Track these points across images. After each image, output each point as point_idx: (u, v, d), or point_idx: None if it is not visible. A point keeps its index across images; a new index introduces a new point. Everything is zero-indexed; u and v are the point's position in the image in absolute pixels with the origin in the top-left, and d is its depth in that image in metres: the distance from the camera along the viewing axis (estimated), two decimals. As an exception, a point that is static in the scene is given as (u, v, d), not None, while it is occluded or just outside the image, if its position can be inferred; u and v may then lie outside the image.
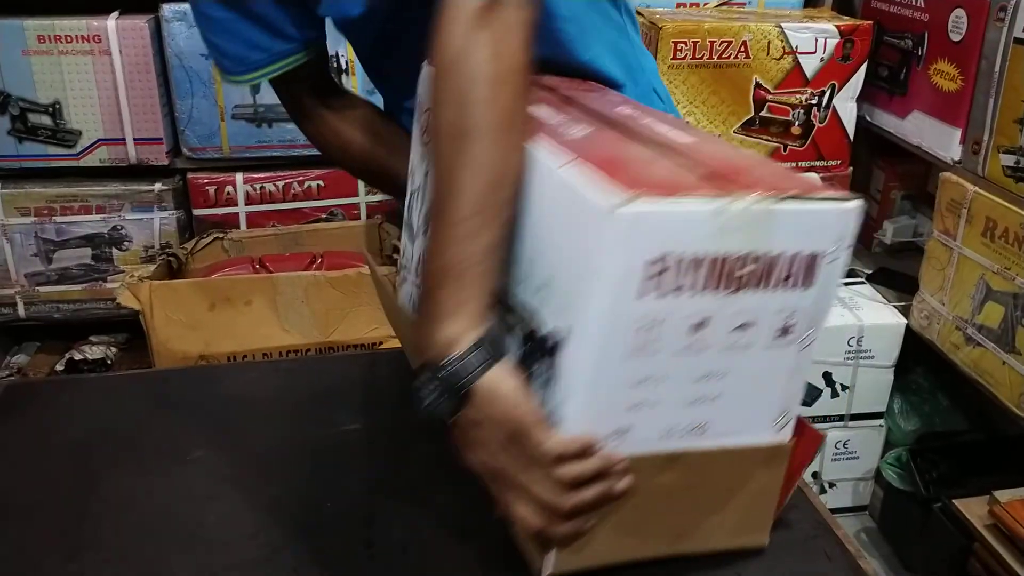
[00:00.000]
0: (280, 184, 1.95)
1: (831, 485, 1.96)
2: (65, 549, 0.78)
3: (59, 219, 1.88)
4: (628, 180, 0.57)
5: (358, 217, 2.00)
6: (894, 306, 1.87)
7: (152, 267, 1.72)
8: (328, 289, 1.63)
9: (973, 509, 1.51)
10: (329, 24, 0.95)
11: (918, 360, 1.89)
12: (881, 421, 1.92)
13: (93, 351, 1.98)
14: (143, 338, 1.62)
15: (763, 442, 0.67)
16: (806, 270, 0.61)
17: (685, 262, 0.57)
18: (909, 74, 1.83)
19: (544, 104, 0.77)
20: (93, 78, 1.82)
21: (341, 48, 1.81)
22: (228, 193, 1.94)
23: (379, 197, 1.99)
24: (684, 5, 2.06)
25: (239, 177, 1.93)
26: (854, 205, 0.60)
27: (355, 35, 0.98)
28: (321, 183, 1.95)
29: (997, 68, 1.54)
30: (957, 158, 1.67)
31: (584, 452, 0.62)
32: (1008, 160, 1.52)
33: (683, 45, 1.80)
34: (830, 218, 0.60)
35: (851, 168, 2.00)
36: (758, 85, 1.86)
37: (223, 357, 1.60)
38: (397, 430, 0.94)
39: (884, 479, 1.85)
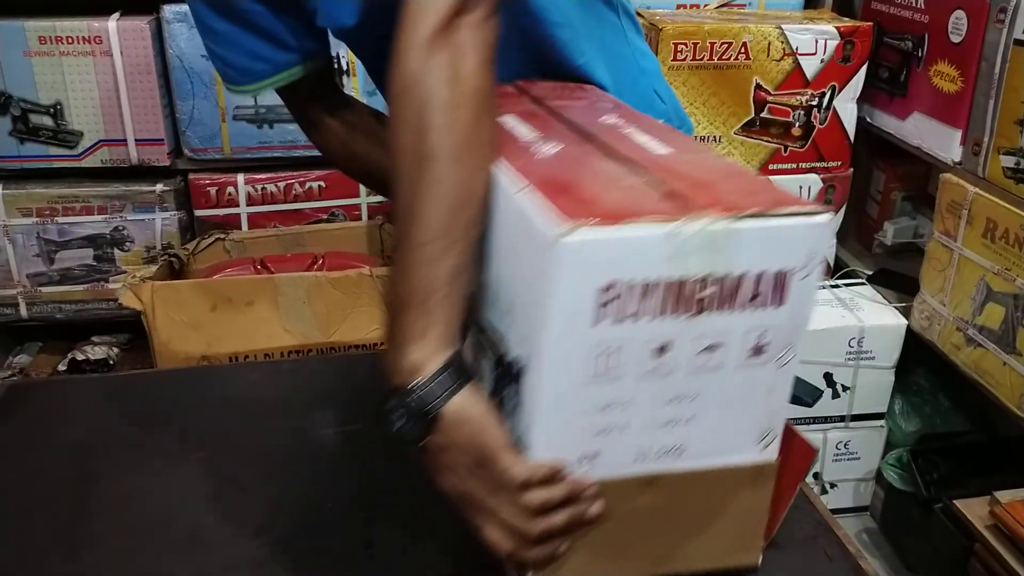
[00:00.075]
0: (281, 185, 1.95)
1: (832, 486, 1.96)
2: (65, 548, 0.78)
3: (61, 220, 1.89)
4: (577, 207, 0.57)
5: (359, 218, 2.01)
6: (895, 307, 1.87)
7: (154, 268, 1.72)
8: (329, 290, 1.63)
9: (974, 510, 1.51)
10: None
11: (919, 361, 1.89)
12: (882, 422, 1.92)
13: (95, 351, 1.99)
14: (145, 338, 1.62)
15: (746, 462, 0.67)
16: (775, 288, 0.60)
17: (639, 288, 0.57)
18: (909, 75, 1.83)
19: (521, 118, 0.77)
20: (94, 79, 1.82)
21: (342, 49, 1.81)
22: (229, 194, 1.94)
23: (380, 198, 1.99)
24: (684, 6, 2.06)
25: (240, 178, 1.94)
26: (823, 219, 0.59)
27: (354, 43, 0.98)
28: (322, 184, 1.96)
29: (997, 69, 1.54)
30: (957, 159, 1.67)
31: (551, 478, 0.62)
32: (1008, 161, 1.52)
33: (683, 46, 1.80)
34: (797, 234, 0.59)
35: (851, 169, 2.00)
36: (758, 86, 1.86)
37: (225, 358, 1.61)
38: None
39: (885, 480, 1.85)
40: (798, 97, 1.89)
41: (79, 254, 1.92)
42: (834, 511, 0.79)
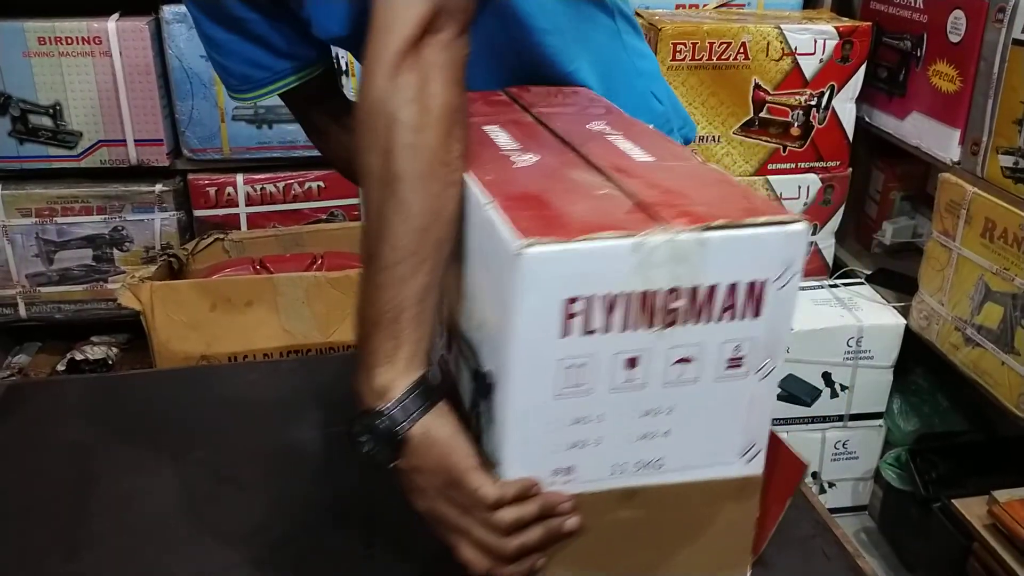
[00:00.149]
0: (280, 185, 1.95)
1: (830, 485, 1.96)
2: (65, 548, 0.78)
3: (60, 220, 1.89)
4: (540, 220, 0.57)
5: (359, 218, 2.00)
6: (893, 307, 1.87)
7: (153, 268, 1.72)
8: (329, 290, 1.63)
9: (972, 509, 1.51)
10: None
11: (917, 360, 1.90)
12: (880, 421, 1.92)
13: (94, 351, 1.99)
14: (144, 338, 1.62)
15: (729, 475, 0.66)
16: (750, 299, 0.59)
17: (605, 300, 0.57)
18: (908, 75, 1.83)
19: (505, 127, 0.77)
20: (94, 79, 1.82)
21: (342, 50, 1.81)
22: (229, 194, 1.94)
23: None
24: (683, 6, 2.06)
25: (239, 178, 1.94)
26: (798, 228, 0.58)
27: (351, 49, 0.98)
28: (321, 184, 1.96)
29: (996, 69, 1.54)
30: (956, 159, 1.67)
31: (523, 495, 0.62)
32: (1007, 161, 1.52)
33: (682, 46, 1.80)
34: (771, 243, 0.58)
35: (850, 169, 2.00)
36: (757, 86, 1.87)
37: (224, 357, 1.61)
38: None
39: (883, 479, 1.85)
40: (797, 97, 1.89)
41: (78, 254, 1.92)
42: (832, 510, 0.79)
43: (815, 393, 1.86)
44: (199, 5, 0.91)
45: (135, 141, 1.87)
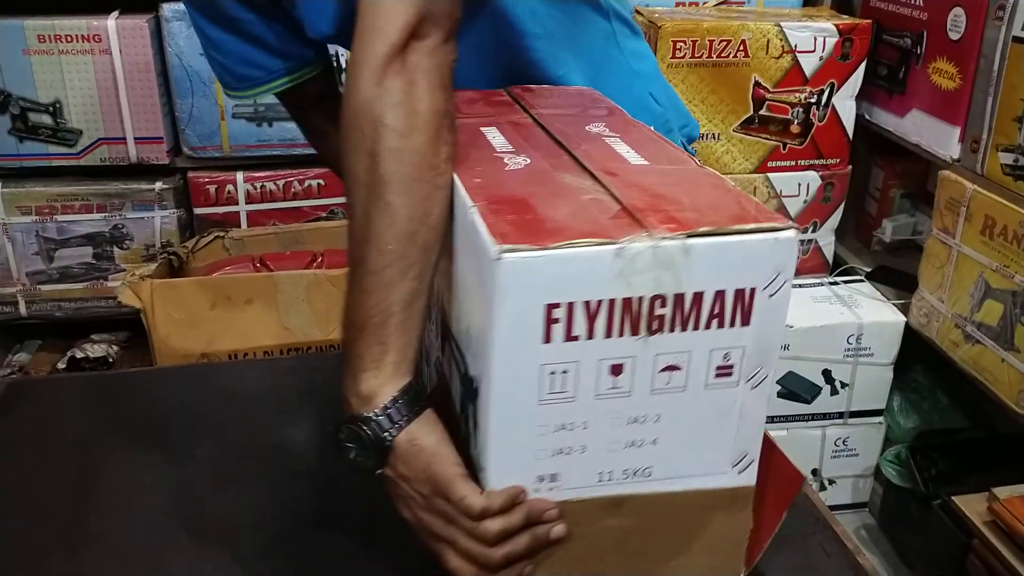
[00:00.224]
0: (280, 183, 1.95)
1: (830, 482, 1.96)
2: (66, 545, 0.78)
3: (60, 218, 1.89)
4: (521, 226, 0.56)
5: (358, 216, 2.00)
6: (893, 304, 1.87)
7: (153, 266, 1.72)
8: (329, 287, 1.63)
9: (972, 506, 1.51)
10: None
11: (917, 358, 1.90)
12: (880, 418, 1.92)
13: (94, 349, 1.99)
14: (144, 336, 1.62)
15: (720, 485, 0.65)
16: (738, 307, 0.58)
17: (586, 307, 0.56)
18: (908, 73, 1.83)
19: (501, 129, 0.77)
20: (93, 77, 1.82)
21: (341, 48, 1.81)
22: (229, 192, 1.94)
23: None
24: (683, 4, 2.06)
25: (239, 176, 1.94)
26: (788, 235, 0.57)
27: (347, 47, 0.98)
28: (321, 182, 1.96)
29: (996, 67, 1.54)
30: (956, 156, 1.67)
31: (508, 505, 0.61)
32: (1007, 158, 1.52)
33: (682, 44, 1.80)
34: (758, 251, 0.57)
35: (850, 166, 2.00)
36: (757, 84, 1.87)
37: (224, 355, 1.61)
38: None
39: (883, 476, 1.85)
40: (797, 94, 1.89)
41: (78, 252, 1.92)
42: (832, 507, 0.79)
43: (815, 390, 1.86)
44: (196, 5, 0.92)
45: (135, 139, 1.87)
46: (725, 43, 1.82)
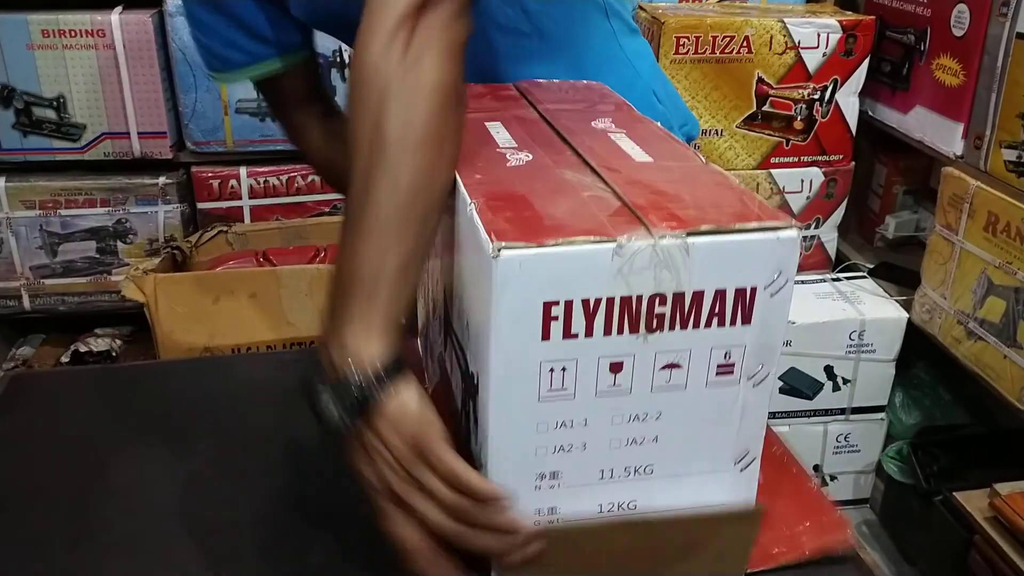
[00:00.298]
0: (283, 178, 1.96)
1: (832, 478, 1.96)
2: (70, 538, 0.78)
3: (64, 212, 1.89)
4: (520, 223, 0.56)
5: (361, 211, 2.01)
6: (896, 300, 1.87)
7: (156, 260, 1.72)
8: (331, 282, 1.64)
9: (974, 502, 1.51)
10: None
11: (919, 354, 1.90)
12: (882, 414, 1.92)
13: (98, 343, 1.99)
14: (148, 330, 1.62)
15: (722, 497, 0.65)
16: (739, 306, 0.58)
17: (585, 305, 0.56)
18: (911, 69, 1.83)
19: (506, 124, 0.77)
20: (97, 72, 1.83)
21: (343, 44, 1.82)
22: (232, 187, 1.95)
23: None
24: (687, 0, 2.06)
25: (243, 171, 1.94)
26: (790, 234, 0.57)
27: (334, 32, 0.98)
28: (324, 177, 1.96)
29: (999, 63, 1.54)
30: (959, 153, 1.67)
31: (491, 494, 0.60)
32: (1010, 155, 1.52)
33: (685, 40, 1.80)
34: (760, 250, 0.57)
35: (853, 163, 2.00)
36: (760, 80, 1.86)
37: (227, 349, 1.61)
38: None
39: (885, 472, 1.85)
40: (800, 91, 1.89)
41: (82, 246, 1.93)
42: (834, 503, 0.79)
43: (817, 386, 1.86)
44: None
45: (138, 134, 1.87)
46: (728, 39, 1.82)
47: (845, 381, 1.86)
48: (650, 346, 0.58)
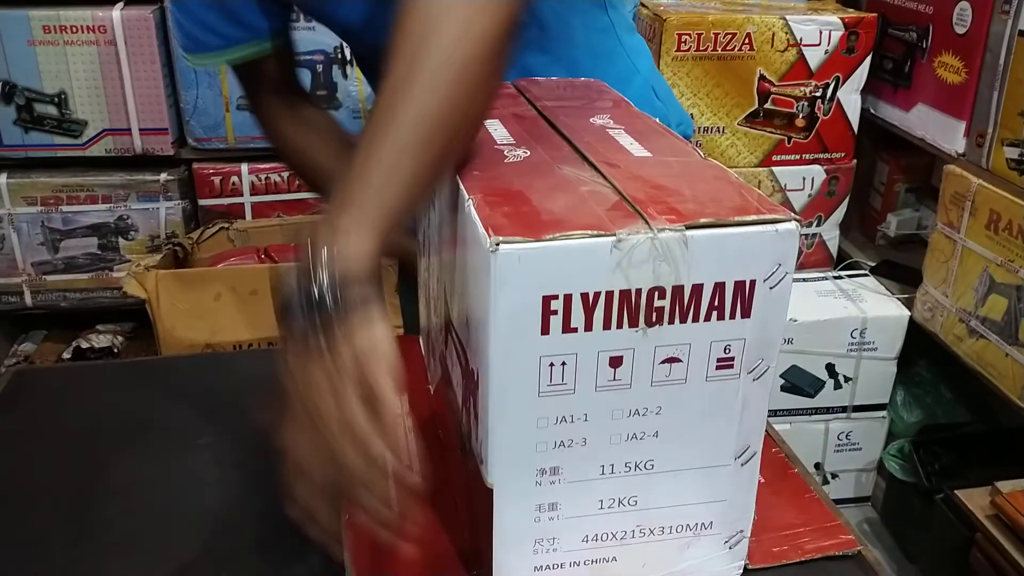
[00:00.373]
0: (285, 174, 1.96)
1: (833, 476, 1.96)
2: (71, 533, 0.78)
3: (65, 208, 1.89)
4: (517, 218, 0.56)
5: (363, 208, 2.01)
6: (897, 298, 1.87)
7: (158, 256, 1.72)
8: (333, 279, 1.64)
9: (975, 500, 1.51)
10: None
11: (921, 352, 1.90)
12: (884, 413, 1.92)
13: (99, 340, 1.99)
14: (149, 327, 1.62)
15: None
16: (738, 299, 0.58)
17: (584, 299, 0.56)
18: (913, 67, 1.83)
19: (505, 121, 0.77)
20: (98, 68, 1.83)
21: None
22: (233, 183, 1.94)
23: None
24: (689, -3, 2.06)
25: (244, 167, 1.94)
26: (789, 228, 0.57)
27: (355, 41, 0.98)
28: (326, 174, 1.96)
29: (1002, 61, 1.54)
30: (961, 151, 1.67)
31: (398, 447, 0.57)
32: (1012, 153, 1.52)
33: (687, 37, 1.80)
34: (759, 243, 0.57)
35: (855, 161, 2.00)
36: (762, 77, 1.86)
37: (229, 346, 1.61)
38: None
39: (887, 470, 1.86)
40: (802, 88, 1.89)
41: (83, 243, 1.93)
42: (835, 501, 0.79)
43: (818, 384, 1.86)
44: None
45: (140, 130, 1.87)
46: (730, 36, 1.82)
47: (846, 379, 1.86)
48: (650, 340, 0.58)
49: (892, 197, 2.11)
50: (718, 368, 0.60)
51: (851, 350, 1.84)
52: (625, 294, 0.56)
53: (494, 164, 0.67)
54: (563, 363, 0.58)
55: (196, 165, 1.94)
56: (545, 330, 0.57)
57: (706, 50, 1.82)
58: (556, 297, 0.56)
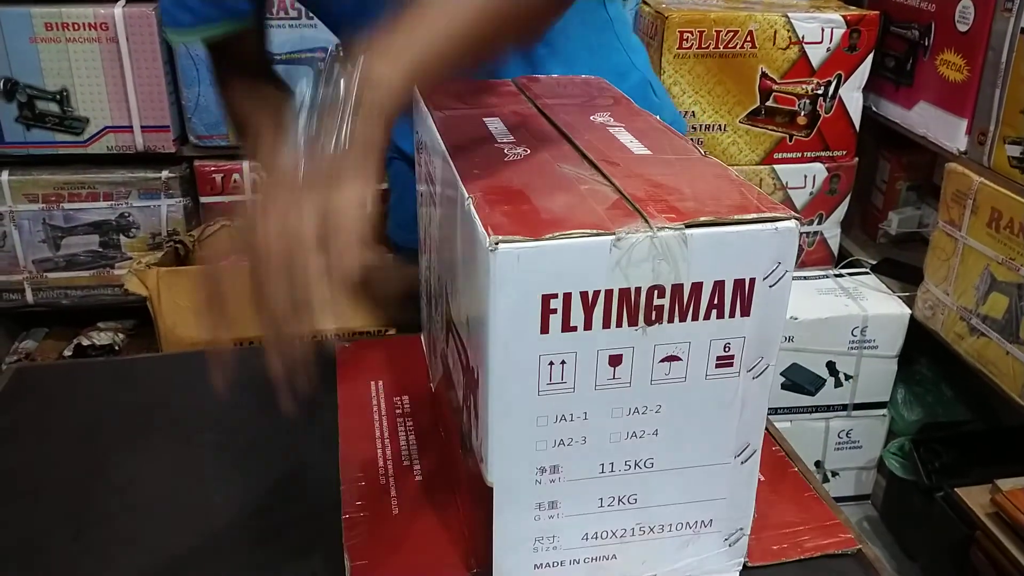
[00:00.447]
0: (286, 172, 1.96)
1: (834, 474, 1.97)
2: (72, 529, 0.79)
3: (67, 206, 1.90)
4: (516, 216, 0.56)
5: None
6: (898, 296, 1.87)
7: (159, 254, 1.72)
8: (334, 276, 1.64)
9: (975, 498, 1.51)
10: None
11: (922, 350, 1.90)
12: (884, 411, 1.92)
13: (101, 337, 2.00)
14: (150, 324, 1.62)
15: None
16: (737, 297, 0.58)
17: (583, 298, 0.56)
18: (915, 64, 1.83)
19: (504, 119, 0.77)
20: (100, 65, 1.83)
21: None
22: (235, 180, 1.95)
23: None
24: (691, -6, 2.06)
25: (246, 165, 1.94)
26: (788, 226, 0.57)
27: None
28: (327, 171, 1.96)
29: (1004, 59, 1.54)
30: (963, 149, 1.67)
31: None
32: (1014, 151, 1.52)
33: (689, 34, 1.80)
34: (759, 241, 0.57)
35: (857, 159, 2.00)
36: (764, 75, 1.86)
37: (230, 343, 1.61)
38: (402, 416, 0.94)
39: (887, 468, 1.86)
40: (804, 86, 1.88)
41: (85, 240, 1.93)
42: (836, 499, 0.79)
43: (819, 382, 1.86)
44: None
45: (141, 127, 1.87)
46: (732, 34, 1.81)
47: (847, 377, 1.87)
48: (649, 338, 0.58)
49: (893, 195, 2.11)
50: (718, 366, 0.60)
51: (852, 348, 1.84)
52: (624, 293, 0.56)
53: (493, 162, 0.67)
54: (563, 362, 0.58)
55: (197, 162, 1.94)
56: (545, 329, 0.57)
57: (708, 48, 1.82)
58: (555, 296, 0.56)
